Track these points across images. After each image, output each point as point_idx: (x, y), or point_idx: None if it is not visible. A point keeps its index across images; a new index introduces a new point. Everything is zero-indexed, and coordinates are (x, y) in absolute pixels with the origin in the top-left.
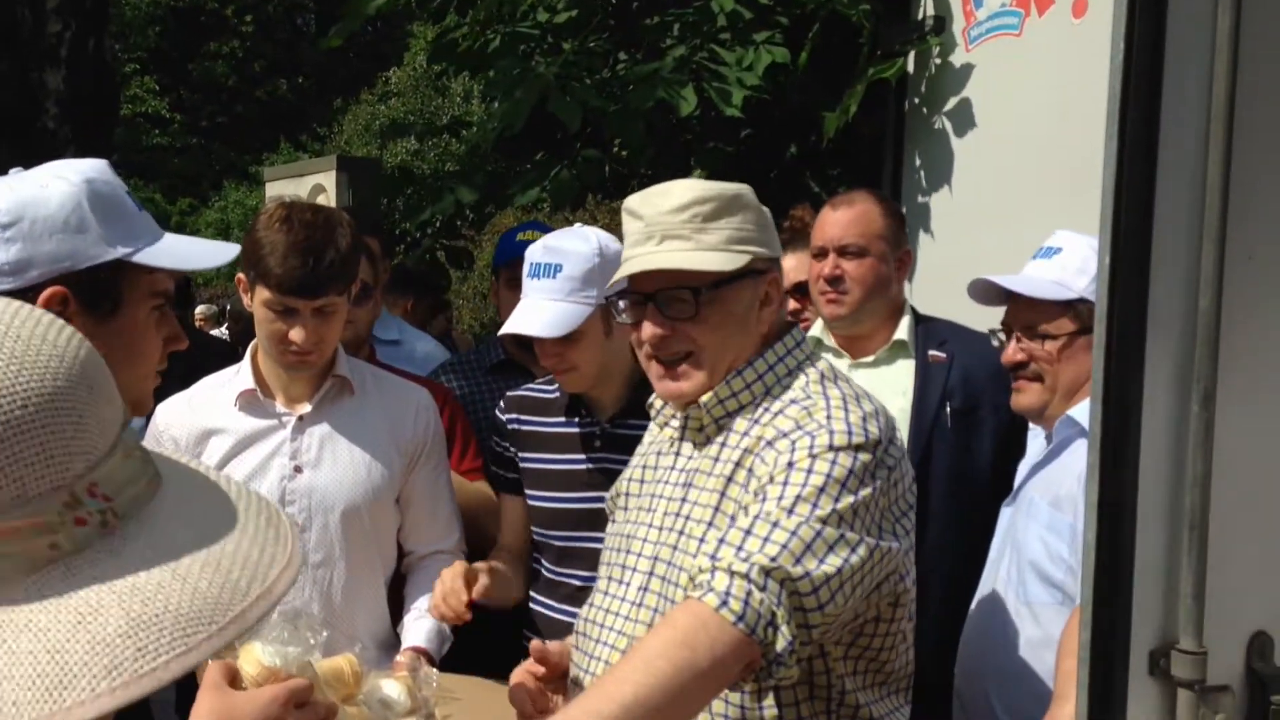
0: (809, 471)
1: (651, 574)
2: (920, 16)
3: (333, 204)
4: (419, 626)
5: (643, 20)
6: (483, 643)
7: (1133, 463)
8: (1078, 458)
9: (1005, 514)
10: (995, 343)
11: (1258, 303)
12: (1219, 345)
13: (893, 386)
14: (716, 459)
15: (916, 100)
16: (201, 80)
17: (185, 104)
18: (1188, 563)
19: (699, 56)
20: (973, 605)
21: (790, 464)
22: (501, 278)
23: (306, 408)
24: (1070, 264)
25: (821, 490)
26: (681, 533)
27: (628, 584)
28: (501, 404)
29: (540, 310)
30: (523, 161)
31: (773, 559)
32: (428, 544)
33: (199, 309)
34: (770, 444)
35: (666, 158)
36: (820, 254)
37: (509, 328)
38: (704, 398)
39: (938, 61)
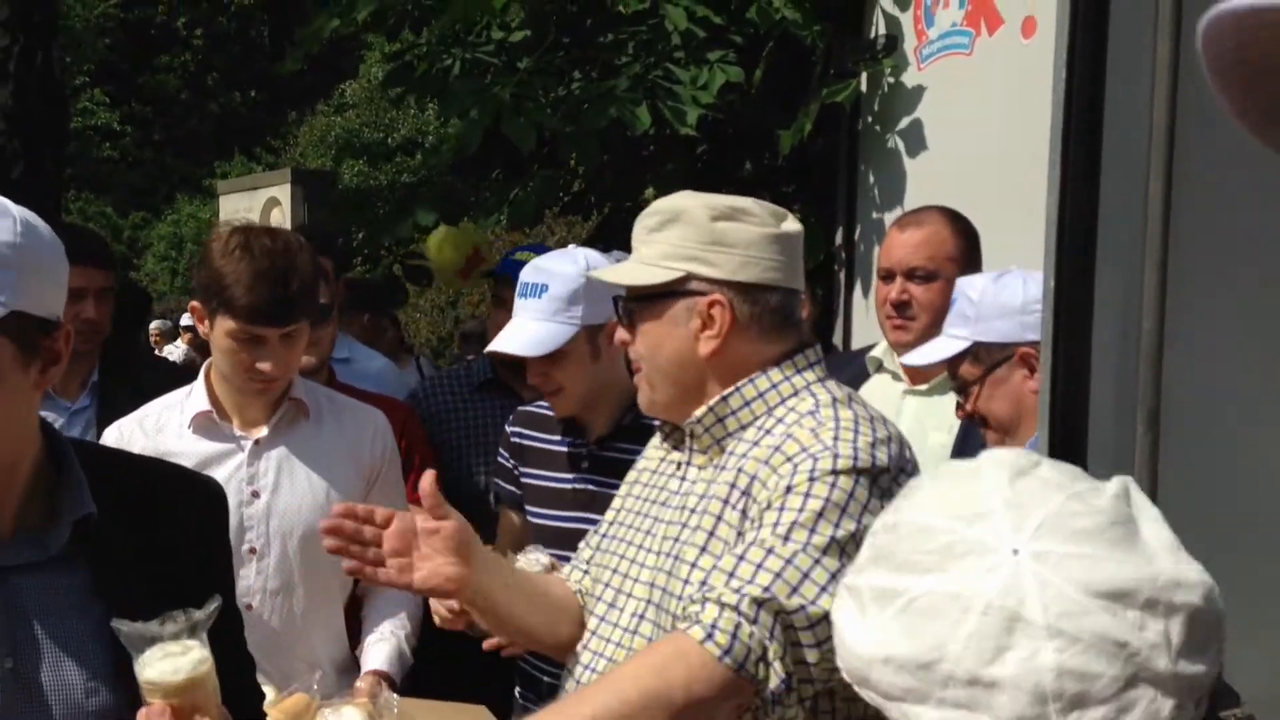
0: (807, 495)
1: (649, 601)
2: (873, 35)
3: (288, 217)
4: (379, 650)
5: (597, 38)
6: (445, 666)
7: None
8: None
9: None
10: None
11: (1199, 324)
12: (1162, 367)
13: (941, 420)
14: (712, 481)
15: (870, 119)
16: (153, 93)
17: (136, 117)
18: None
19: (653, 75)
20: None
21: (789, 488)
22: (489, 293)
23: (263, 431)
24: (955, 313)
25: (820, 515)
26: (676, 558)
27: (621, 609)
28: (511, 418)
29: (524, 329)
30: (479, 179)
31: (765, 589)
32: None
33: (153, 324)
34: (771, 466)
35: (622, 176)
36: (888, 277)
37: (494, 346)
38: (697, 412)
39: (890, 80)
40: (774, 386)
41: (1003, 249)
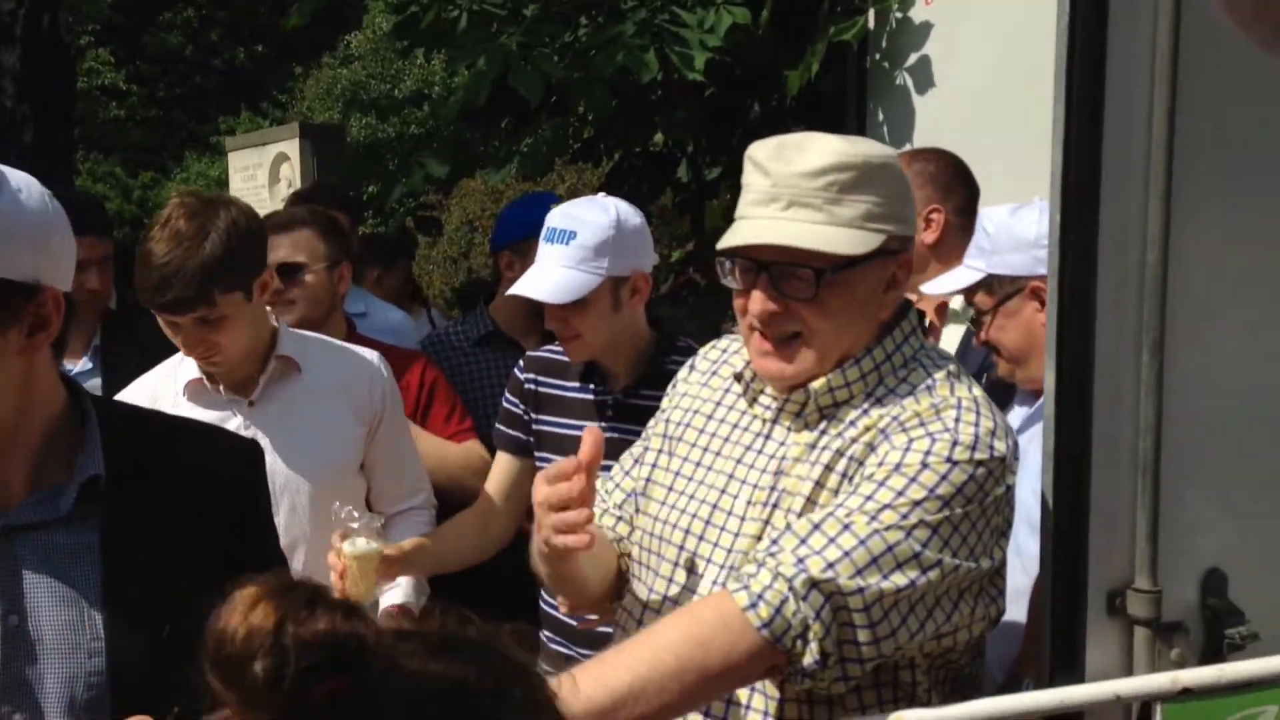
0: (912, 480)
1: (734, 568)
2: None
3: (297, 172)
4: (397, 584)
5: None
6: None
7: (1086, 412)
8: None
9: None
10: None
11: (1202, 255)
12: (1166, 298)
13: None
14: (814, 446)
15: (878, 56)
16: (157, 51)
17: (142, 75)
18: (1141, 505)
19: (660, 19)
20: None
21: (897, 465)
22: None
23: (255, 392)
24: (974, 244)
25: (917, 504)
26: (768, 523)
27: (701, 575)
28: (521, 363)
29: (549, 275)
30: (489, 130)
31: (828, 566)
32: (396, 504)
33: None
34: (885, 435)
35: (631, 122)
36: None
37: (516, 289)
38: (815, 384)
39: (898, 16)
40: (888, 357)
41: (1013, 182)
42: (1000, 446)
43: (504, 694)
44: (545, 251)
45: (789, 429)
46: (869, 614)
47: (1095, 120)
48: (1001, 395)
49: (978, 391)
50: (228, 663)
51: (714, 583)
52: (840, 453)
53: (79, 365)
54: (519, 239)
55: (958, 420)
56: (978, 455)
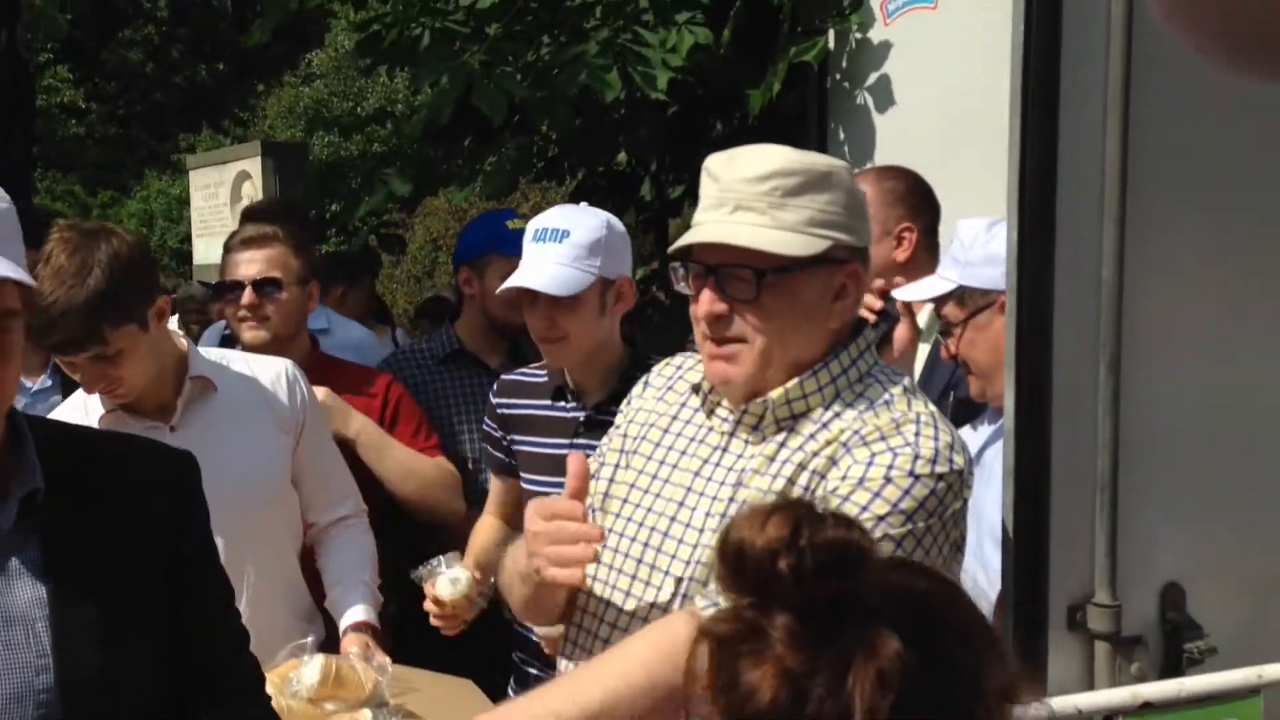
0: (876, 495)
1: (693, 579)
2: None
3: (259, 190)
4: (351, 600)
5: (564, 2)
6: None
7: (1045, 428)
8: None
9: None
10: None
11: (1157, 273)
12: (1122, 315)
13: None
14: (774, 458)
15: (838, 76)
16: (117, 68)
17: (101, 93)
18: (1100, 520)
19: (622, 38)
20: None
21: (861, 480)
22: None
23: (175, 417)
24: (948, 254)
25: (881, 519)
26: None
27: (658, 587)
28: (495, 387)
29: (544, 270)
30: (452, 148)
31: None
32: (328, 512)
33: None
34: (847, 448)
35: (594, 140)
36: None
37: (513, 281)
38: (773, 394)
39: (858, 36)
40: (844, 371)
41: (972, 201)
42: (959, 460)
43: (954, 603)
44: (537, 250)
45: (747, 441)
46: None
47: (1050, 141)
48: (968, 413)
49: (933, 407)
50: (752, 567)
51: (672, 594)
52: (802, 465)
53: (38, 383)
54: (476, 255)
55: (918, 435)
56: (938, 469)
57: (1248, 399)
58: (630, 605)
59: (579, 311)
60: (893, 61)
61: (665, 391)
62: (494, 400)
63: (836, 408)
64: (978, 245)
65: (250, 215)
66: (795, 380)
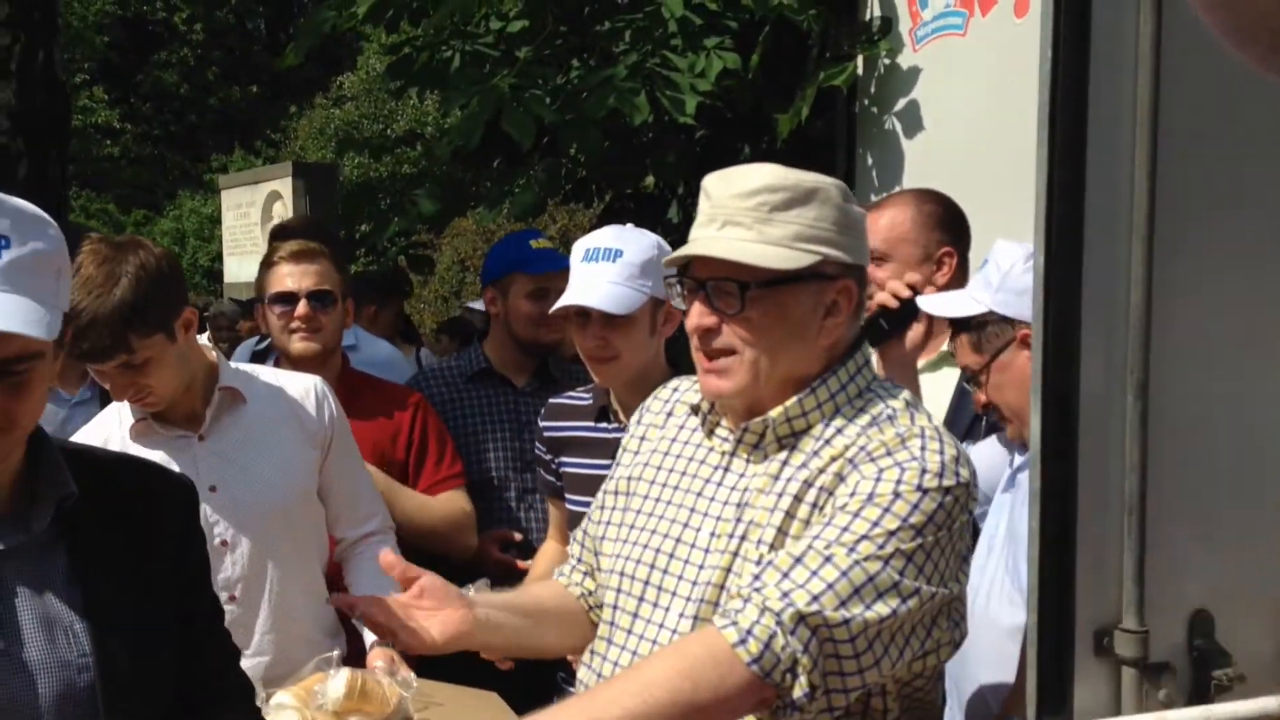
0: (886, 510)
1: (702, 600)
2: (868, 18)
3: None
4: None
5: (594, 27)
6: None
7: (1072, 451)
8: None
9: (1003, 500)
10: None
11: (1186, 296)
12: (1150, 337)
13: (931, 399)
14: (778, 477)
15: (866, 101)
16: (152, 89)
17: (136, 114)
18: (1128, 545)
19: (651, 63)
20: (967, 587)
21: (870, 496)
22: (519, 286)
23: (204, 426)
24: (981, 277)
25: (892, 534)
26: (737, 555)
27: (666, 608)
28: (543, 411)
29: (597, 288)
30: (481, 170)
31: (813, 599)
32: (355, 528)
33: None
34: (854, 465)
35: (623, 163)
36: None
37: (568, 299)
38: (773, 413)
39: (886, 62)
40: (843, 388)
41: (999, 226)
42: (964, 473)
43: None
44: (588, 270)
45: (748, 460)
46: (854, 644)
47: (1079, 165)
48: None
49: (936, 420)
50: None
51: (680, 615)
52: (808, 483)
53: (77, 395)
54: (501, 275)
55: (924, 449)
56: (945, 482)
57: (1278, 422)
58: (639, 627)
59: (631, 331)
60: (921, 87)
61: (665, 416)
62: (541, 424)
63: (838, 423)
64: (1015, 274)
65: (281, 234)
66: (794, 398)
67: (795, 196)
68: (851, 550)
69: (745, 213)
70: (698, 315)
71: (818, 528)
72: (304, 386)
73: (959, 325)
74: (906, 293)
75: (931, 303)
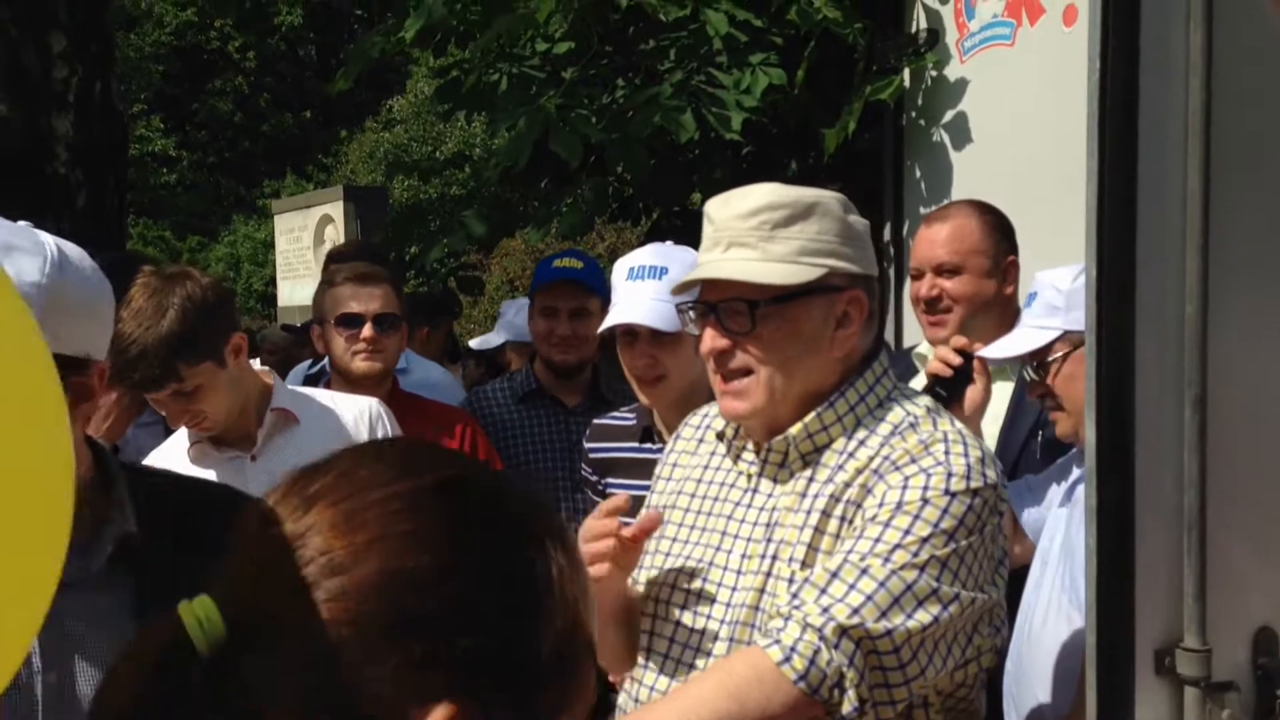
0: (916, 517)
1: (738, 622)
2: (914, 30)
3: (341, 234)
4: None
5: (639, 46)
6: None
7: (1128, 467)
8: None
9: (1060, 515)
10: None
11: (1242, 307)
12: (1207, 350)
13: (988, 411)
14: (805, 494)
15: (914, 114)
16: (207, 117)
17: (192, 141)
18: (1188, 562)
19: (696, 80)
20: (1022, 605)
21: (899, 505)
22: (536, 304)
23: (256, 447)
24: (1041, 304)
25: (925, 541)
26: (770, 575)
27: (702, 631)
28: (588, 432)
29: (645, 305)
30: (529, 190)
31: (854, 612)
32: None
33: None
34: (880, 475)
35: (669, 180)
36: (918, 274)
37: (614, 318)
38: (793, 430)
39: (933, 75)
40: (862, 399)
41: (1051, 238)
42: (991, 474)
43: None
44: (634, 288)
45: (775, 480)
46: (899, 655)
47: (1130, 174)
48: (1055, 453)
49: (960, 424)
50: None
51: (716, 638)
52: (835, 498)
53: (145, 415)
54: (531, 296)
55: (948, 453)
56: (973, 484)
57: None
58: (675, 652)
59: (679, 350)
60: (969, 99)
61: (697, 443)
62: (586, 445)
63: (860, 435)
64: (1078, 290)
65: (337, 257)
66: (813, 413)
67: (796, 212)
68: (886, 560)
69: (749, 233)
70: (710, 339)
71: (850, 541)
72: (359, 408)
73: (1037, 355)
74: (957, 359)
75: (997, 349)
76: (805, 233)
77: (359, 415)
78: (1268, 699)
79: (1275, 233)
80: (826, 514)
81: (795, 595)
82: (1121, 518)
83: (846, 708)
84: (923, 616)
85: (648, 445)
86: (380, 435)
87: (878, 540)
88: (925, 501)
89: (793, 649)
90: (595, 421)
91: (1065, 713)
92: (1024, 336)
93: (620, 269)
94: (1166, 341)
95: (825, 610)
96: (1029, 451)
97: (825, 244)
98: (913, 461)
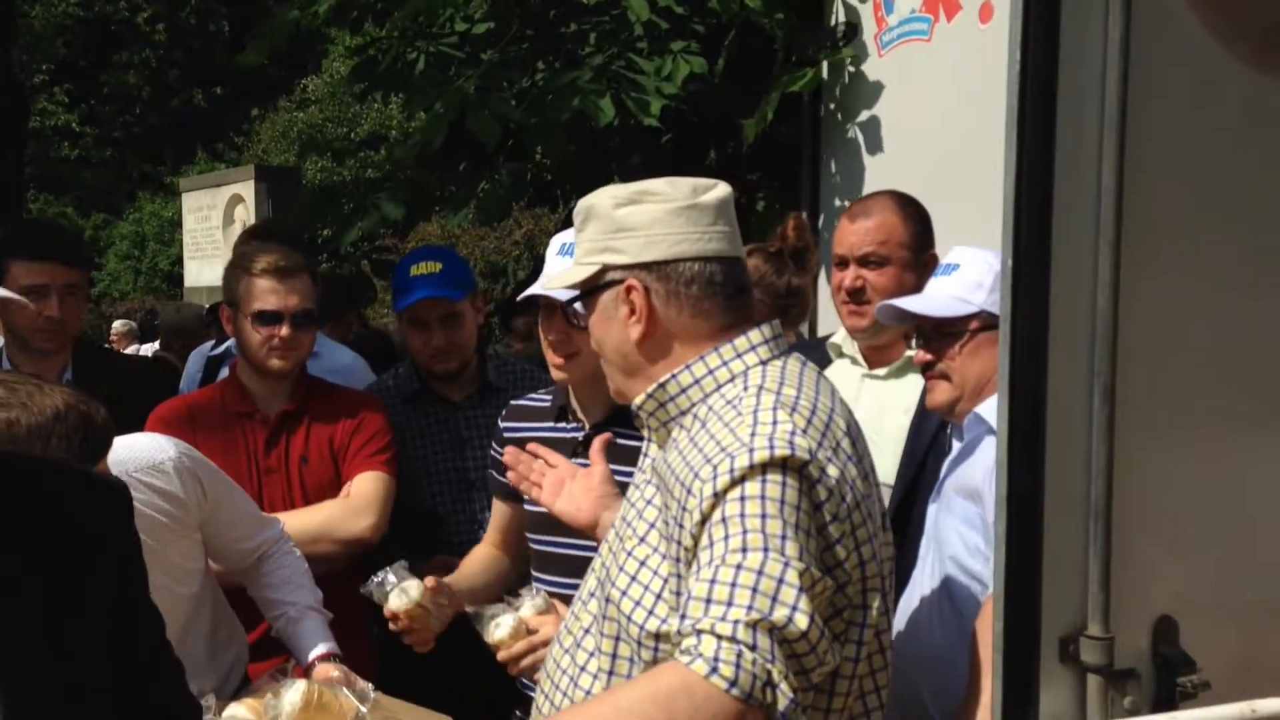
0: (741, 499)
1: (607, 599)
2: (833, 23)
3: (251, 214)
4: (308, 629)
5: (559, 29)
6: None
7: (1039, 457)
8: (986, 453)
9: (931, 511)
10: (910, 347)
11: (1154, 300)
12: (1118, 343)
13: (898, 402)
14: (645, 469)
15: (831, 106)
16: (113, 91)
17: (97, 115)
18: (1094, 552)
19: (616, 65)
20: (901, 601)
21: (716, 495)
22: (405, 315)
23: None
24: (969, 279)
25: (763, 516)
26: (618, 551)
27: (576, 614)
28: (504, 413)
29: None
30: (445, 173)
31: (749, 608)
32: (245, 558)
33: (115, 325)
34: (691, 467)
35: (588, 167)
36: (841, 264)
37: (535, 290)
38: (637, 400)
39: (851, 69)
40: (710, 372)
41: (965, 231)
42: (802, 443)
43: None
44: (561, 263)
45: (646, 455)
46: (807, 639)
47: (1047, 166)
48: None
49: (788, 396)
50: None
51: (586, 616)
52: (652, 484)
53: None
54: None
55: (753, 434)
56: (776, 456)
57: (1247, 428)
58: (565, 627)
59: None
60: (886, 93)
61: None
62: (501, 424)
63: (700, 412)
64: (988, 277)
65: (255, 235)
66: (651, 388)
67: (581, 220)
68: (745, 550)
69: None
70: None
71: (705, 550)
72: (161, 473)
73: (925, 328)
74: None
75: (916, 303)
76: (584, 237)
77: (166, 480)
78: (1168, 687)
79: (1187, 226)
80: (659, 488)
81: (684, 616)
82: (1030, 506)
83: (782, 703)
84: (806, 595)
85: (562, 424)
86: (192, 490)
87: (726, 536)
88: (735, 482)
89: (716, 658)
90: (513, 402)
91: (943, 701)
92: (944, 303)
93: (554, 244)
94: (1078, 333)
95: (724, 616)
96: (938, 444)
97: (597, 243)
98: (720, 449)
